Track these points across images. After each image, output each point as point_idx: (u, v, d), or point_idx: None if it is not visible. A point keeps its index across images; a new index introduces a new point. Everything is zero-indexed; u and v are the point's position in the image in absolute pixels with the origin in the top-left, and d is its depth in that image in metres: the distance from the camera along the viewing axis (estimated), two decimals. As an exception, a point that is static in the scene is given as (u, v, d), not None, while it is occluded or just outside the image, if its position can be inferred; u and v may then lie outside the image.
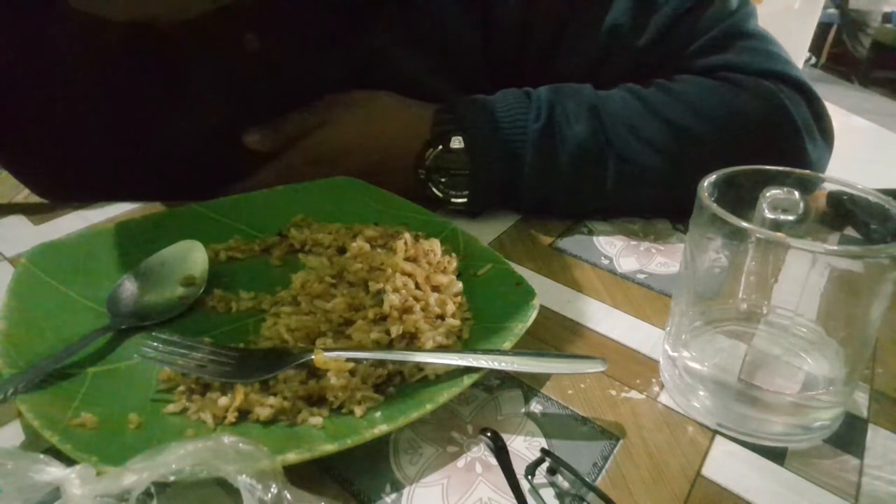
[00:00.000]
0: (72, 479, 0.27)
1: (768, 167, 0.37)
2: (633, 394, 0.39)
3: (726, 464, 0.34)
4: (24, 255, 0.44)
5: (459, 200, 0.55)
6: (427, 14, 0.57)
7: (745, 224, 0.32)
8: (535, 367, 0.37)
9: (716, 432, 0.36)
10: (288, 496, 0.27)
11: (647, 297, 0.47)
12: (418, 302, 0.41)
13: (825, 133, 0.57)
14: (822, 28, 3.70)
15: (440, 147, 0.54)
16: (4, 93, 0.57)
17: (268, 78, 0.57)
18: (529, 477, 0.32)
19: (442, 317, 0.41)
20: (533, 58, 0.59)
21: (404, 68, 0.59)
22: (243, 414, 0.34)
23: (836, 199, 0.37)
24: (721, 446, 0.35)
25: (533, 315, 0.39)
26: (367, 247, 0.47)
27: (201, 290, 0.44)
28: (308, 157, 0.57)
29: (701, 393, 0.37)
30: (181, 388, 0.36)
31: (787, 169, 0.37)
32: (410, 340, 0.39)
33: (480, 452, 0.34)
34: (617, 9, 0.56)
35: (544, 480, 0.33)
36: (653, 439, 0.36)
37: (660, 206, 0.57)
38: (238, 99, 0.58)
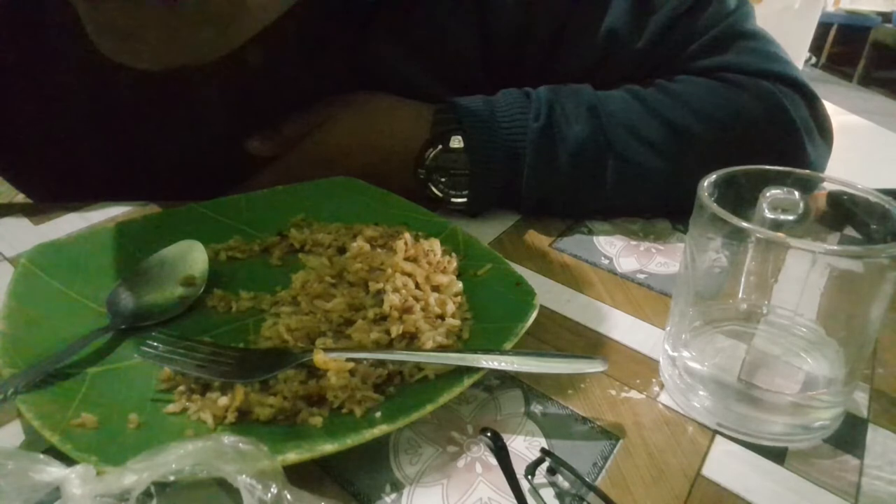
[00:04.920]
0: (72, 479, 0.27)
1: (768, 167, 0.37)
2: (633, 394, 0.39)
3: (726, 464, 0.34)
4: (24, 255, 0.43)
5: (459, 200, 0.56)
6: (425, 18, 0.57)
7: (745, 224, 0.32)
8: (535, 367, 0.37)
9: (716, 432, 0.36)
10: (288, 496, 0.27)
11: (647, 297, 0.47)
12: (418, 302, 0.41)
13: (825, 133, 0.57)
14: (822, 28, 3.70)
15: (440, 147, 0.54)
16: (3, 99, 0.57)
17: (268, 83, 0.57)
18: (529, 477, 0.32)
19: (442, 317, 0.41)
20: (532, 60, 0.59)
21: (403, 71, 0.59)
22: (243, 414, 0.34)
23: (836, 199, 0.37)
24: (721, 446, 0.36)
25: (533, 315, 0.39)
26: (367, 247, 0.47)
27: (201, 290, 0.44)
28: (308, 158, 0.57)
29: (701, 393, 0.37)
30: (181, 388, 0.36)
31: (787, 169, 0.37)
32: (410, 340, 0.39)
33: (480, 452, 0.34)
34: (615, 11, 0.56)
35: (544, 480, 0.33)
36: (653, 439, 0.36)
37: (660, 206, 0.57)
38: (238, 104, 0.58)
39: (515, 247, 0.53)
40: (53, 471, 0.27)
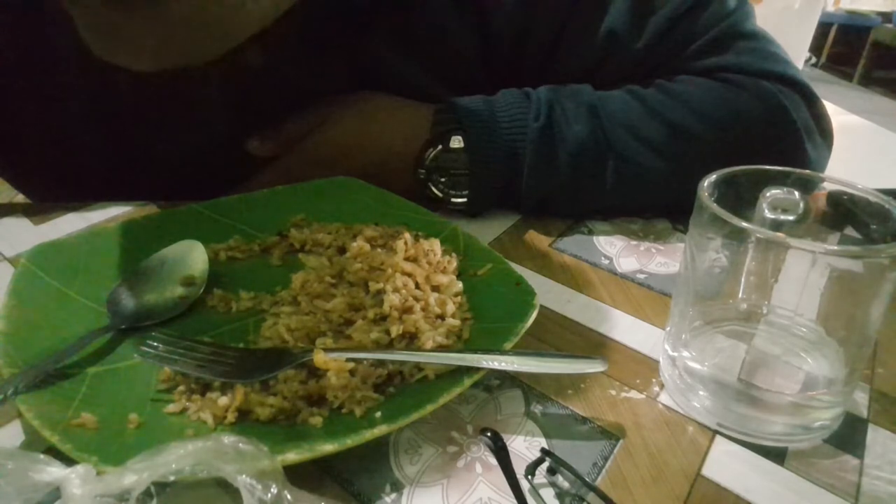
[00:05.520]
0: (72, 479, 0.27)
1: (768, 167, 0.37)
2: (633, 394, 0.39)
3: (726, 464, 0.34)
4: (24, 255, 0.43)
5: (459, 200, 0.56)
6: (425, 19, 0.57)
7: (745, 224, 0.32)
8: (535, 367, 0.37)
9: (716, 432, 0.36)
10: (288, 496, 0.27)
11: (647, 297, 0.47)
12: (418, 302, 0.41)
13: (825, 133, 0.57)
14: (822, 28, 3.69)
15: (440, 147, 0.54)
16: (3, 99, 0.57)
17: (268, 83, 0.57)
18: (529, 477, 0.32)
19: (442, 317, 0.41)
20: (531, 61, 0.59)
21: (403, 72, 0.59)
22: (243, 414, 0.34)
23: (836, 199, 0.37)
24: (721, 446, 0.36)
25: (533, 315, 0.39)
26: (367, 247, 0.47)
27: (201, 290, 0.44)
28: (308, 158, 0.58)
29: (701, 393, 0.37)
30: (181, 388, 0.36)
31: (787, 169, 0.37)
32: (410, 340, 0.39)
33: (480, 452, 0.34)
34: (615, 12, 0.56)
35: (544, 480, 0.33)
36: (653, 439, 0.36)
37: (659, 205, 0.57)
38: (238, 104, 0.58)
39: (515, 247, 0.53)
40: (53, 471, 0.27)
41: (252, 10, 0.38)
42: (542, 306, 0.41)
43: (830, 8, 4.21)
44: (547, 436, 0.35)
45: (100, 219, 0.55)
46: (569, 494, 0.32)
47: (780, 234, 0.32)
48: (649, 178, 0.54)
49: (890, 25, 4.10)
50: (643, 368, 0.41)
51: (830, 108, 0.59)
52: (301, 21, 0.47)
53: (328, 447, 0.31)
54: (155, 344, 0.37)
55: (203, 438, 0.28)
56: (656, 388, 0.39)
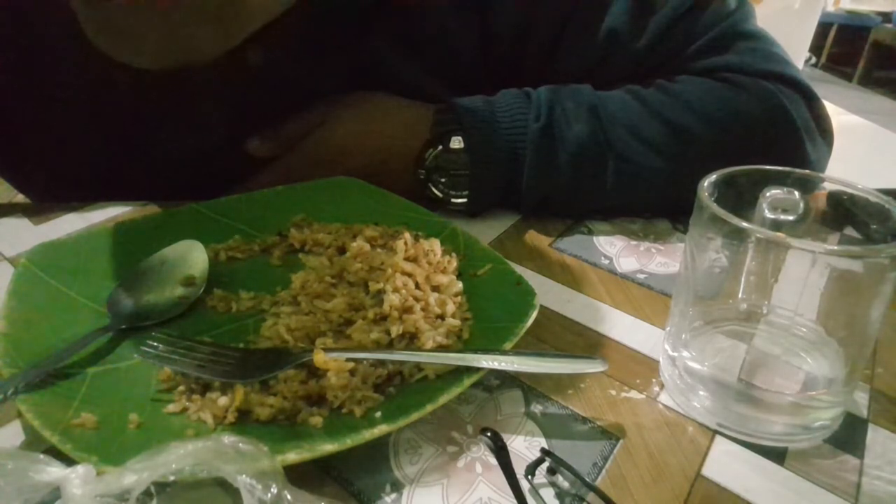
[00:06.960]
0: (72, 479, 0.27)
1: (768, 167, 0.37)
2: (633, 394, 0.39)
3: (726, 464, 0.34)
4: (24, 255, 0.44)
5: (459, 200, 0.56)
6: (425, 18, 0.57)
7: (745, 224, 0.32)
8: (535, 367, 0.37)
9: (716, 432, 0.36)
10: (288, 496, 0.27)
11: (647, 297, 0.47)
12: (418, 302, 0.41)
13: (825, 133, 0.57)
14: (822, 28, 3.69)
15: (440, 147, 0.54)
16: (3, 99, 0.57)
17: (268, 83, 0.57)
18: (529, 477, 0.32)
19: (442, 317, 0.41)
20: (532, 60, 0.59)
21: (403, 71, 0.59)
22: (243, 414, 0.34)
23: (836, 199, 0.37)
24: (721, 446, 0.36)
25: (533, 315, 0.39)
26: (367, 247, 0.47)
27: (201, 290, 0.44)
28: (308, 158, 0.58)
29: (701, 393, 0.37)
30: (181, 388, 0.36)
31: (787, 169, 0.37)
32: (410, 340, 0.39)
33: (480, 452, 0.34)
34: (616, 11, 0.56)
35: (544, 480, 0.33)
36: (653, 439, 0.36)
37: (660, 206, 0.57)
38: (238, 104, 0.58)
39: (515, 247, 0.53)
40: (53, 471, 0.27)
41: (255, 4, 0.38)
42: (542, 306, 0.41)
43: (830, 8, 4.21)
44: (547, 436, 0.35)
45: (100, 219, 0.55)
46: (569, 494, 0.32)
47: (780, 234, 0.32)
48: (649, 178, 0.54)
49: (890, 25, 4.10)
50: (643, 368, 0.41)
51: (830, 108, 0.60)
52: (301, 20, 0.47)
53: (328, 447, 0.31)
54: (155, 344, 0.37)
55: (203, 438, 0.28)
56: (656, 388, 0.39)
